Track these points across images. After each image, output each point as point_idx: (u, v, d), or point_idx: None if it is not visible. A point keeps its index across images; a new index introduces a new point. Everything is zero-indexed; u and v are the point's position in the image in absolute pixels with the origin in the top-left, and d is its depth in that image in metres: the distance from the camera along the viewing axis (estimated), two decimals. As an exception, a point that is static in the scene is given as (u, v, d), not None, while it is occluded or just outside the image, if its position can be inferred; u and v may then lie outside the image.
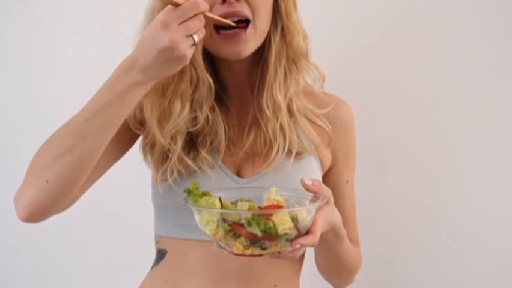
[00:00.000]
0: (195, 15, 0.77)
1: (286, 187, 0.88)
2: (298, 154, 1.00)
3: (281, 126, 0.99)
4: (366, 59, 1.31)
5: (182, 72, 0.95)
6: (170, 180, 0.96)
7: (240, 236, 0.78)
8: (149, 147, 1.00)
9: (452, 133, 1.27)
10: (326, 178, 1.07)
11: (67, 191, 0.85)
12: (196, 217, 0.81)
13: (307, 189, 0.85)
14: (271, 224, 0.76)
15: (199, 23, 0.78)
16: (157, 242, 1.05)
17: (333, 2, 1.31)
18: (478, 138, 1.26)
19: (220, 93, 1.01)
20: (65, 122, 0.85)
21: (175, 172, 0.96)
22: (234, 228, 0.77)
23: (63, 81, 1.45)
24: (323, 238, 0.92)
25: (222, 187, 0.93)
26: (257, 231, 0.76)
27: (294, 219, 0.78)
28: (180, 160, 0.97)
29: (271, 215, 0.77)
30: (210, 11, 0.90)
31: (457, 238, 1.28)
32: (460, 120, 1.26)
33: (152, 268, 1.04)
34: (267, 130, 0.99)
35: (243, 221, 0.77)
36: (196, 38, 0.78)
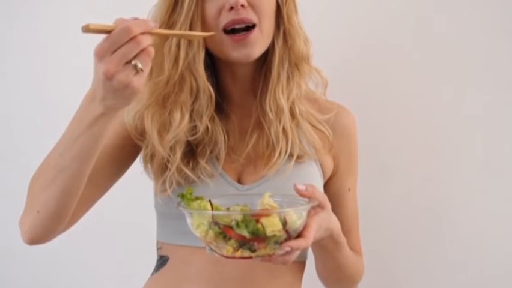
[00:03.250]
0: (130, 40, 0.70)
1: (281, 193, 0.89)
2: (299, 158, 1.00)
3: (284, 129, 1.00)
4: (366, 61, 1.31)
5: (182, 82, 0.97)
6: (169, 191, 0.97)
7: (230, 238, 0.78)
8: (149, 157, 1.01)
9: (453, 135, 1.26)
10: (328, 186, 1.07)
11: (58, 219, 0.88)
12: (188, 220, 0.82)
13: (300, 194, 0.85)
14: (259, 225, 0.77)
15: (135, 47, 0.70)
16: (159, 249, 1.05)
17: (332, 4, 1.32)
18: (479, 141, 1.25)
19: (220, 102, 1.02)
20: (48, 153, 0.87)
21: (174, 183, 0.97)
22: (223, 231, 0.78)
23: (68, 81, 1.45)
24: (321, 245, 0.92)
25: (220, 194, 0.94)
26: (245, 233, 0.76)
27: (284, 222, 0.78)
28: (179, 171, 0.97)
29: (260, 216, 0.77)
30: (217, 17, 0.93)
31: (459, 241, 1.26)
32: (461, 123, 1.25)
33: (152, 274, 1.05)
34: (270, 133, 1.00)
35: (232, 223, 0.78)
36: (138, 63, 0.71)
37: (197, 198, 0.84)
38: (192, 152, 1.00)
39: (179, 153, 0.97)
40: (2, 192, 1.52)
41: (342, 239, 0.95)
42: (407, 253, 1.30)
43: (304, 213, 0.81)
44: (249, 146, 1.01)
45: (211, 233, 0.79)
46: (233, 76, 1.02)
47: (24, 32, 1.51)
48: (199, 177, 0.98)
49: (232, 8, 0.92)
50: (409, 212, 1.29)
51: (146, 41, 0.71)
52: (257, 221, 0.77)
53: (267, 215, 0.78)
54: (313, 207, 0.84)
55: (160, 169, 0.99)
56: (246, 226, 0.77)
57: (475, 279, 1.25)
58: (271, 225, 0.77)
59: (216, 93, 1.00)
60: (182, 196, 0.84)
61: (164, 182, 0.98)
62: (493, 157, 1.23)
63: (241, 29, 0.94)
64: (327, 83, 1.06)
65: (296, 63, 1.01)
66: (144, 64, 0.72)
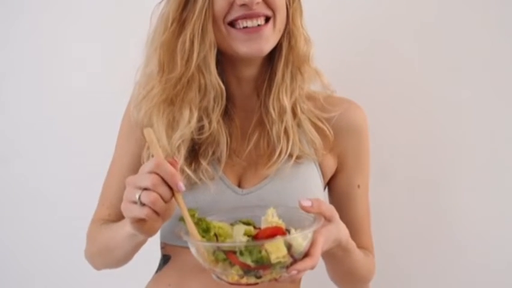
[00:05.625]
0: (148, 173, 0.75)
1: (284, 205, 0.87)
2: (298, 158, 0.99)
3: (285, 129, 0.99)
4: (366, 62, 1.28)
5: (191, 80, 0.96)
6: None
7: (235, 264, 0.77)
8: (152, 157, 0.99)
9: (453, 135, 1.25)
10: (336, 183, 1.06)
11: (118, 266, 1.03)
12: (192, 249, 0.80)
13: (307, 211, 0.83)
14: (263, 253, 0.74)
15: (146, 179, 0.75)
16: (162, 248, 1.06)
17: (333, 4, 1.29)
18: (480, 141, 1.23)
19: (225, 104, 1.00)
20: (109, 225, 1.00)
21: None
22: (228, 257, 0.77)
23: (67, 84, 1.42)
24: (330, 254, 0.91)
25: (219, 209, 0.93)
26: (249, 262, 0.74)
27: (288, 246, 0.76)
28: (181, 172, 0.96)
29: (264, 244, 0.75)
30: (227, 11, 0.92)
31: (459, 241, 1.27)
32: (461, 123, 1.24)
33: (156, 272, 1.06)
34: (272, 132, 0.99)
35: (236, 250, 0.76)
36: (140, 195, 0.75)
37: (200, 220, 0.82)
38: (194, 152, 0.99)
39: (183, 153, 0.96)
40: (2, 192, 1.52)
41: (351, 245, 0.93)
42: (406, 253, 1.30)
43: (310, 235, 0.79)
44: (250, 145, 1.00)
45: (217, 261, 0.77)
46: (238, 78, 1.01)
47: (23, 35, 1.47)
48: (200, 179, 0.97)
49: (244, 4, 0.90)
50: (409, 211, 1.28)
51: (161, 186, 0.75)
52: (262, 245, 0.75)
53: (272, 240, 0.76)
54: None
55: None
56: (250, 254, 0.74)
57: (474, 280, 1.25)
58: (276, 251, 0.75)
59: None
60: (184, 220, 0.82)
61: None
62: (494, 157, 1.22)
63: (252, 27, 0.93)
64: (329, 87, 1.04)
65: (298, 63, 0.99)
66: (145, 200, 0.75)
